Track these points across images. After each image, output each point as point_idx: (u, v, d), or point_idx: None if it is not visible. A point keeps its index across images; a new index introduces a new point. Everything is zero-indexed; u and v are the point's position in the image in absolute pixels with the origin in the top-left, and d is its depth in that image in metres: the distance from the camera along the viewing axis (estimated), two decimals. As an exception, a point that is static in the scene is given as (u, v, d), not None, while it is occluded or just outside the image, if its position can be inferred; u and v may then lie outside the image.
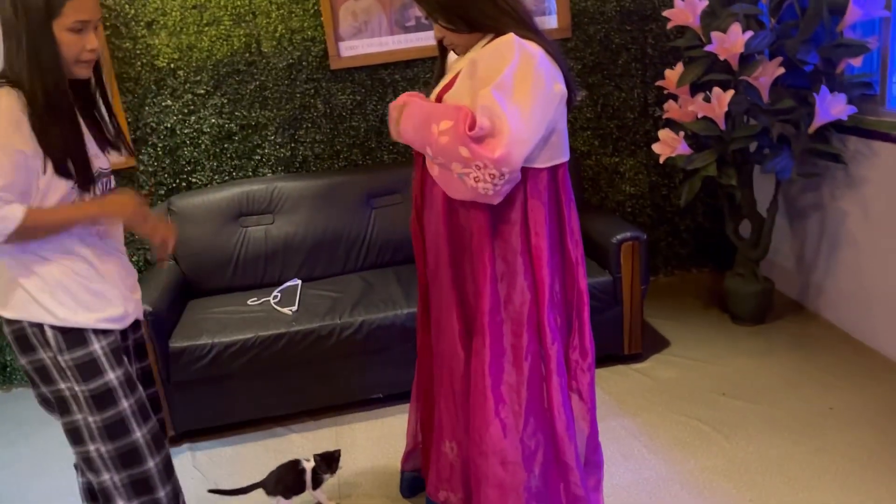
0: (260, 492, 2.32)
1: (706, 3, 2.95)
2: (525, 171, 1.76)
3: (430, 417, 2.18)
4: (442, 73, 1.96)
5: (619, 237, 2.99)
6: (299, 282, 3.22)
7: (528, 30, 1.74)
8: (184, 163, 3.39)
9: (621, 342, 3.09)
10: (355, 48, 3.40)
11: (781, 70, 2.84)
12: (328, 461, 2.35)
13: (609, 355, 3.09)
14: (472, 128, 1.63)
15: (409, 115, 1.82)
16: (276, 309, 2.96)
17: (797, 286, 3.49)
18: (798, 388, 2.80)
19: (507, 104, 1.62)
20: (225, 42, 3.28)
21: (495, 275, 1.83)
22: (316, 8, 3.31)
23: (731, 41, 2.80)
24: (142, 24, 3.20)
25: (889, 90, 2.84)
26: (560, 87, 1.72)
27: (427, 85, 3.47)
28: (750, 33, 2.81)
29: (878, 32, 2.84)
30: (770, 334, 3.25)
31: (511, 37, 1.69)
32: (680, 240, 3.89)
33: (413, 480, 2.41)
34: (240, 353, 2.78)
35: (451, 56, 1.95)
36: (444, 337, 1.98)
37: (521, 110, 1.63)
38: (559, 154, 1.82)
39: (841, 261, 3.15)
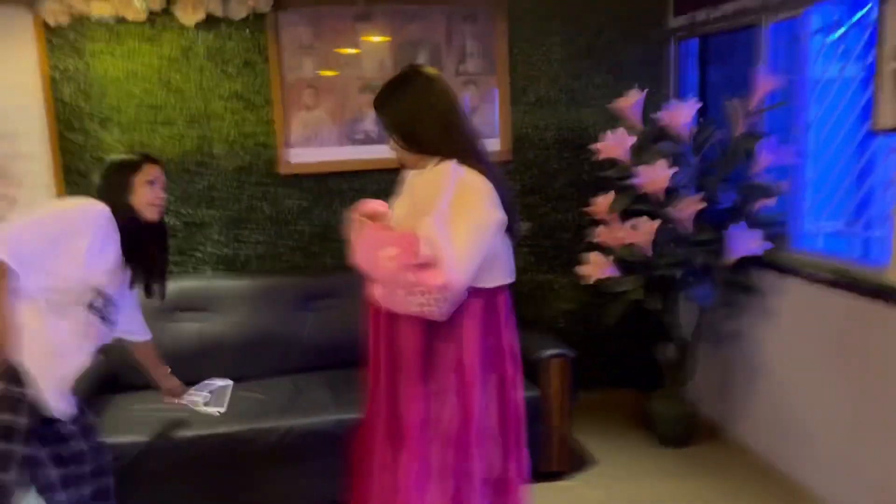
0: None
1: (635, 138, 3.18)
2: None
3: None
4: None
5: (548, 353, 3.07)
6: (231, 383, 3.17)
7: (473, 158, 1.86)
8: (123, 255, 3.39)
9: (547, 459, 3.11)
10: (304, 156, 3.52)
11: (703, 204, 3.04)
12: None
13: (534, 473, 3.08)
14: (416, 256, 1.71)
15: (360, 240, 1.91)
16: (202, 409, 2.89)
17: (720, 411, 3.59)
18: (716, 514, 2.85)
19: (446, 233, 1.71)
20: (178, 142, 3.37)
21: (427, 392, 1.87)
22: (269, 116, 3.44)
23: (657, 176, 3.01)
24: (96, 120, 3.28)
25: (800, 230, 3.05)
26: (498, 213, 1.82)
27: (374, 196, 3.58)
28: (675, 169, 3.02)
29: (790, 177, 3.08)
30: (693, 458, 3.31)
31: (449, 165, 1.81)
32: (609, 359, 3.98)
33: None
34: (161, 453, 2.72)
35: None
36: (377, 450, 2.00)
37: (459, 238, 1.72)
38: (500, 277, 1.90)
39: (758, 389, 3.27)
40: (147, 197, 2.25)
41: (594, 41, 3.70)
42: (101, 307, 2.22)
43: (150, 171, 2.27)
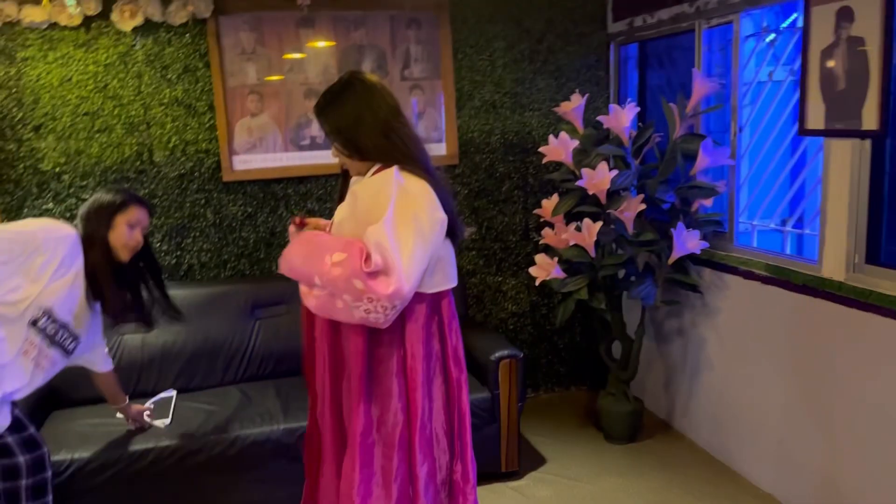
0: None
1: (577, 142, 3.24)
2: None
3: None
4: (344, 191, 2.04)
5: (497, 355, 3.09)
6: (174, 392, 3.12)
7: (416, 164, 1.86)
8: (61, 266, 3.30)
9: (498, 460, 3.13)
10: (249, 162, 3.48)
11: (643, 206, 3.12)
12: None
13: (486, 473, 3.11)
14: (366, 263, 1.70)
15: (299, 243, 1.87)
16: (147, 422, 2.84)
17: (665, 406, 3.68)
18: (663, 508, 2.91)
19: (395, 241, 1.71)
20: (115, 149, 3.30)
21: (369, 397, 1.87)
22: (212, 122, 3.39)
23: (599, 178, 3.06)
24: (29, 126, 3.19)
25: (736, 228, 3.15)
26: (439, 214, 1.82)
27: (320, 201, 3.58)
28: (615, 172, 3.09)
29: (727, 177, 3.18)
30: (640, 453, 3.38)
31: (390, 171, 1.81)
32: (559, 358, 4.05)
33: None
34: (101, 469, 2.65)
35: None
36: (326, 454, 1.99)
37: (405, 246, 1.72)
38: (443, 281, 1.91)
39: (701, 384, 3.37)
40: (124, 238, 2.28)
41: (536, 46, 3.75)
42: (49, 330, 2.19)
43: (135, 214, 2.31)
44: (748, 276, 2.98)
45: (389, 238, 1.70)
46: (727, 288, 3.13)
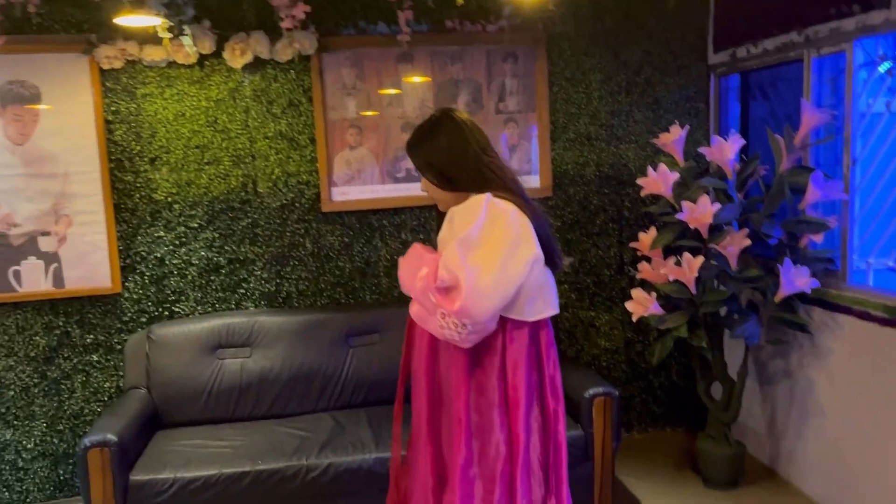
0: None
1: (678, 175, 3.16)
2: (505, 321, 1.83)
3: None
4: (440, 222, 2.08)
5: (591, 392, 3.01)
6: None
7: (510, 192, 1.87)
8: (169, 292, 3.46)
9: (592, 500, 3.04)
10: (347, 194, 3.57)
11: (748, 241, 3.00)
12: None
13: (578, 514, 3.02)
14: (437, 279, 1.74)
15: (405, 261, 1.94)
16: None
17: (769, 451, 3.49)
18: (769, 561, 2.75)
19: (469, 259, 1.73)
20: (223, 180, 3.45)
21: (470, 429, 1.86)
22: (313, 155, 3.50)
23: (701, 211, 2.97)
24: (146, 159, 3.38)
25: (849, 266, 2.98)
26: (534, 250, 1.82)
27: (413, 231, 3.63)
28: (718, 205, 2.99)
29: (839, 212, 3.02)
30: (742, 500, 3.21)
31: (484, 195, 1.82)
32: (654, 397, 3.91)
33: None
34: (202, 489, 2.72)
35: None
36: (418, 489, 1.98)
37: (483, 266, 1.73)
38: (543, 309, 1.90)
39: (810, 429, 3.18)
40: None
41: (634, 78, 3.71)
42: None
43: None
44: (864, 316, 2.81)
45: (460, 255, 1.73)
46: (839, 328, 2.96)
